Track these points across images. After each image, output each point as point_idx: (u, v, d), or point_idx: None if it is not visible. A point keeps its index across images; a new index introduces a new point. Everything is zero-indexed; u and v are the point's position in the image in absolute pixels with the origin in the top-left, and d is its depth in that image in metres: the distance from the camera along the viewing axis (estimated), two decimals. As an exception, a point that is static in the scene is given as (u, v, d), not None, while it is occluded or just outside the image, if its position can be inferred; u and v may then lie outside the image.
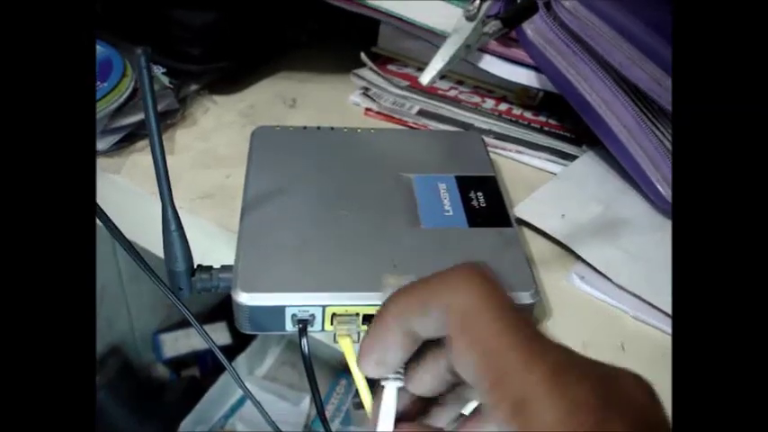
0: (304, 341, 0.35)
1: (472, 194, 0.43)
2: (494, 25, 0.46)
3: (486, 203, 0.42)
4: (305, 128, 0.49)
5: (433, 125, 0.54)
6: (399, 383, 0.28)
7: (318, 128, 0.49)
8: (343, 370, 1.02)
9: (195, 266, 0.37)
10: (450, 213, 0.41)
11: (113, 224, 0.33)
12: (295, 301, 0.35)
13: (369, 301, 0.35)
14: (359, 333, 0.35)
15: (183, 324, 1.06)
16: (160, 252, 0.47)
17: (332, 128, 0.49)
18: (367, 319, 0.35)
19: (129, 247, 0.33)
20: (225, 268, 0.37)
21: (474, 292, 0.24)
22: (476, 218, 0.41)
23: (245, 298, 0.35)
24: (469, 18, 0.45)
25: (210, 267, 0.37)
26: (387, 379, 0.28)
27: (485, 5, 0.45)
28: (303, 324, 0.35)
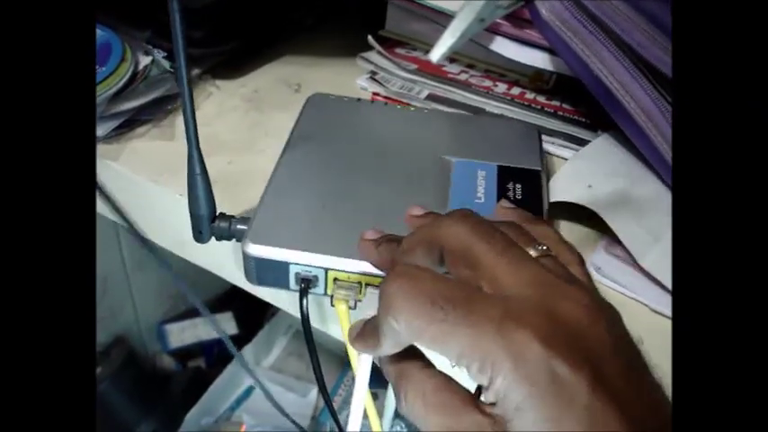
0: (304, 301, 0.35)
1: (510, 185, 0.42)
2: (508, -3, 0.43)
3: (523, 196, 0.41)
4: (359, 100, 0.49)
5: (443, 110, 0.52)
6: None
7: (372, 101, 0.49)
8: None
9: (217, 214, 0.37)
10: (482, 201, 0.40)
11: (116, 205, 0.32)
12: (299, 260, 0.35)
13: (371, 271, 0.34)
14: (356, 301, 0.36)
15: (188, 314, 1.05)
16: (159, 240, 0.46)
17: (385, 103, 0.49)
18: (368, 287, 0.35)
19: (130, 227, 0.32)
20: (243, 220, 0.37)
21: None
22: None
23: (252, 249, 0.35)
24: (483, -12, 0.42)
25: (232, 217, 0.38)
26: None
27: (499, -26, 0.42)
28: (306, 284, 0.36)
